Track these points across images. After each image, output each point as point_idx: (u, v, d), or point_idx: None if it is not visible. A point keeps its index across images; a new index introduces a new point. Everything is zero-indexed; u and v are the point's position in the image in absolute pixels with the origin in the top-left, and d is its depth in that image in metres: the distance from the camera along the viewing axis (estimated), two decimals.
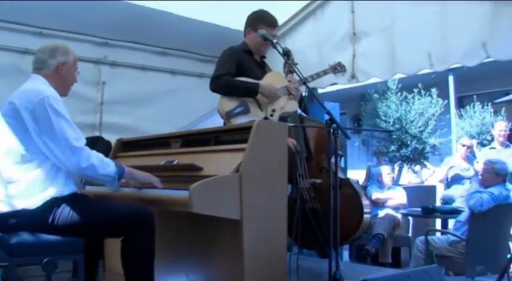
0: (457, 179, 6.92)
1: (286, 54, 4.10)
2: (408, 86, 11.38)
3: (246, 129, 2.91)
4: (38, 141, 2.63)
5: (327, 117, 3.28)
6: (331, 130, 3.25)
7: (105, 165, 2.75)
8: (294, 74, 3.84)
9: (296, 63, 4.14)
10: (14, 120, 2.65)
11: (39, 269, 2.55)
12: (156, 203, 2.88)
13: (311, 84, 3.97)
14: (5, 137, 2.68)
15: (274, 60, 4.30)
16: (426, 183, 9.66)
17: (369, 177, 7.87)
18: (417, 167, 11.06)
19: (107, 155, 3.91)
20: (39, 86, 2.78)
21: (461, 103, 12.97)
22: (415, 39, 4.66)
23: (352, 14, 5.16)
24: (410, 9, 4.65)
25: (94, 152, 2.73)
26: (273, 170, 2.91)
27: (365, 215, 3.99)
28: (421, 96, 11.48)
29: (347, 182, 4.10)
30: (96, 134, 5.28)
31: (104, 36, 5.33)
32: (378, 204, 6.51)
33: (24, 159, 2.65)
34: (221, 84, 3.72)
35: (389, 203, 6.53)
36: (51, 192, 2.66)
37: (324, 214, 3.80)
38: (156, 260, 2.79)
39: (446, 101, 11.48)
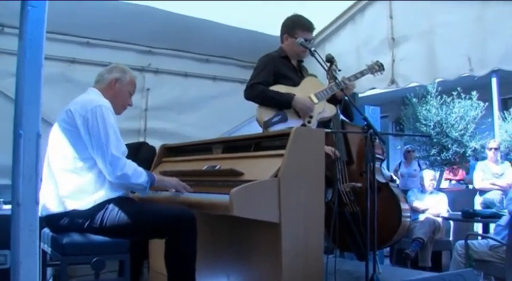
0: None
1: (330, 60, 4.12)
2: (448, 89, 11.21)
3: (284, 135, 2.98)
4: (88, 146, 2.80)
5: (365, 122, 3.33)
6: (369, 135, 3.31)
7: (137, 175, 2.88)
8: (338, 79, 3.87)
9: (339, 70, 4.18)
10: (70, 126, 2.84)
11: (86, 268, 2.70)
12: (198, 207, 2.98)
13: None
14: (60, 142, 2.85)
15: (315, 63, 4.36)
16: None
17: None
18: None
19: (151, 160, 4.08)
20: (94, 96, 2.99)
21: (505, 105, 12.72)
22: (454, 43, 4.61)
23: (391, 19, 5.16)
24: (448, 14, 4.62)
25: (129, 162, 2.86)
26: (311, 175, 2.97)
27: (403, 219, 4.00)
28: (461, 99, 11.33)
29: (386, 185, 4.13)
30: (141, 139, 5.43)
31: (148, 44, 5.50)
32: (417, 211, 6.50)
33: (76, 162, 2.81)
34: (256, 95, 3.74)
35: (429, 211, 6.49)
36: (101, 194, 2.81)
37: (363, 217, 3.84)
38: (197, 261, 2.88)
39: (487, 104, 11.29)
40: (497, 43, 4.33)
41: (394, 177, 8.15)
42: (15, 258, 1.54)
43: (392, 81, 5.18)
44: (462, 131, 11.23)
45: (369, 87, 5.51)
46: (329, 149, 3.72)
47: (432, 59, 4.86)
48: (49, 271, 3.53)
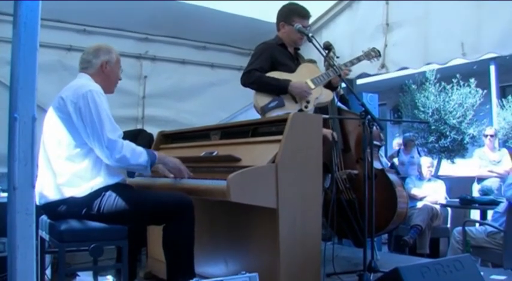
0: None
1: (328, 48, 4.13)
2: (446, 76, 11.17)
3: (282, 121, 2.97)
4: (81, 132, 2.78)
5: (362, 108, 3.33)
6: (366, 121, 3.32)
7: (136, 155, 2.85)
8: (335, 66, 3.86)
9: (338, 56, 4.16)
10: (62, 113, 2.82)
11: (84, 256, 2.71)
12: (196, 193, 2.97)
13: None
14: (55, 129, 2.84)
15: (313, 51, 4.34)
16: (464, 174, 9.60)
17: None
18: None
19: (149, 147, 4.07)
20: (85, 81, 2.95)
21: (503, 93, 12.70)
22: (447, 29, 4.60)
23: (386, 5, 5.15)
24: (443, 0, 4.61)
25: (127, 143, 2.84)
26: (308, 161, 2.96)
27: (399, 205, 3.99)
28: (460, 86, 11.30)
29: (382, 172, 4.13)
30: (139, 126, 5.44)
31: (145, 31, 5.49)
32: (415, 198, 6.50)
33: (71, 149, 2.80)
34: (252, 81, 3.73)
35: (427, 199, 6.50)
36: (98, 181, 2.80)
37: (360, 204, 3.85)
38: (196, 247, 2.88)
39: (486, 91, 11.27)
40: (492, 28, 4.32)
41: (396, 163, 8.18)
42: (11, 242, 1.54)
43: (383, 66, 5.16)
44: (460, 118, 11.21)
45: (359, 72, 5.47)
46: (328, 132, 3.72)
47: (425, 43, 4.86)
48: (47, 258, 3.53)
